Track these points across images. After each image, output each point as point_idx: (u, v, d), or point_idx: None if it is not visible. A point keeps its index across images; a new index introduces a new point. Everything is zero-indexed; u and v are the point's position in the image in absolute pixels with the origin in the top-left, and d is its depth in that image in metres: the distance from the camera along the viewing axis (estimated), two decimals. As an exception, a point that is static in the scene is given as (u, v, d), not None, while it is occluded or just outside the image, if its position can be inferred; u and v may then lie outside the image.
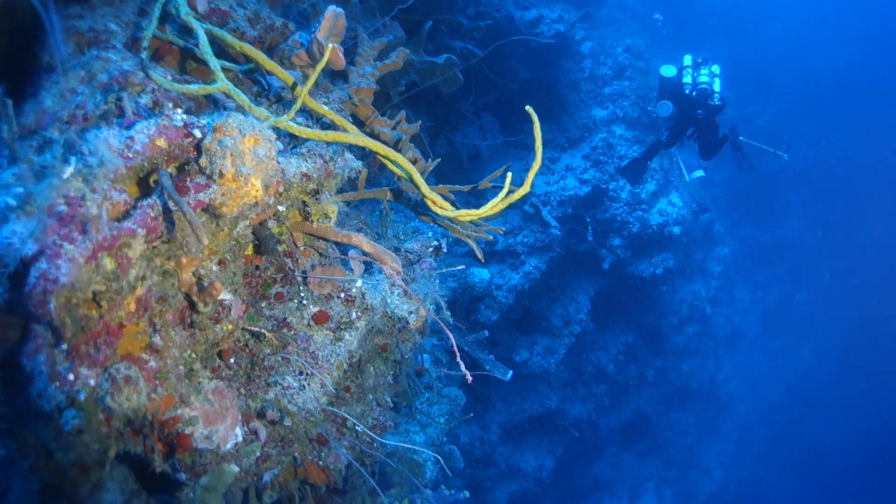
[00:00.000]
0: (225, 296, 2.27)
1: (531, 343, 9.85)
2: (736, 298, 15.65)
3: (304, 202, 2.52)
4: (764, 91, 17.87)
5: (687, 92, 7.71)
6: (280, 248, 2.54)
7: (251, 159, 2.02)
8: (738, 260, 15.59)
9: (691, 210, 11.24)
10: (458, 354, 2.12)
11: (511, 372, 7.03)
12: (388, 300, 2.81)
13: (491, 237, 2.83)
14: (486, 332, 7.24)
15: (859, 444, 19.64)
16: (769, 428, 17.61)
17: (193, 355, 2.28)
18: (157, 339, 2.09)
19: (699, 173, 8.26)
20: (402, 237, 3.46)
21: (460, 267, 3.06)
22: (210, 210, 2.07)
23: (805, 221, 18.63)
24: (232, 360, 2.45)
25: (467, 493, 3.76)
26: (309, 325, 2.61)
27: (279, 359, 2.54)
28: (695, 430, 14.23)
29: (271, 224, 2.49)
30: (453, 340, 2.32)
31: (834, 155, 19.33)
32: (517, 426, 10.20)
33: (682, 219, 10.45)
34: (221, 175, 2.00)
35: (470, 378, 2.24)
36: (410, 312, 2.87)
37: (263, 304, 2.58)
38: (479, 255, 2.77)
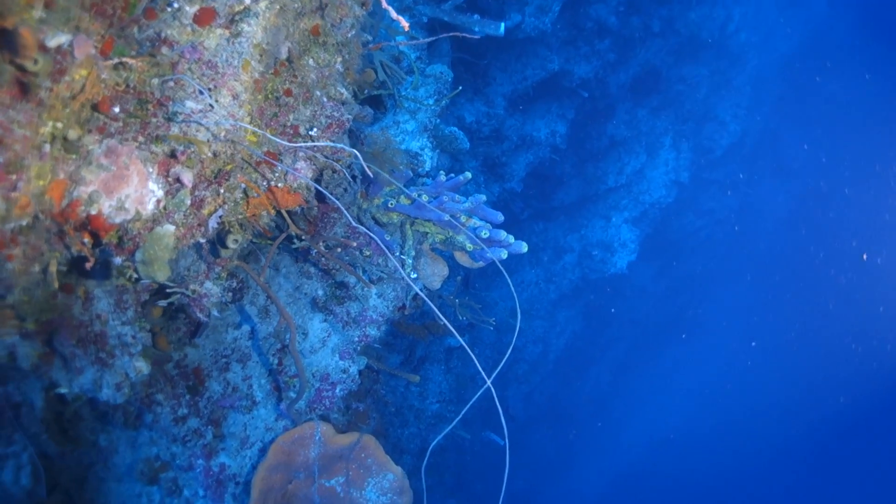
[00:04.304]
0: (60, 39, 1.88)
1: (521, 3, 9.23)
2: (746, -64, 14.41)
3: None
4: None
5: None
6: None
7: None
8: None
9: None
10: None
11: (503, 23, 6.61)
12: None
13: None
14: (460, -9, 6.68)
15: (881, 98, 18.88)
16: (783, 81, 17.01)
17: (59, 124, 1.95)
18: (-8, 128, 1.77)
19: None
20: None
21: None
22: None
23: None
24: (116, 109, 2.09)
25: (469, 174, 3.54)
26: (193, 31, 2.17)
27: (171, 84, 2.15)
28: (707, 82, 13.78)
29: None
30: None
31: None
32: (522, 95, 9.90)
33: None
34: None
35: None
36: (328, -26, 2.37)
37: (134, 30, 2.13)
38: None
